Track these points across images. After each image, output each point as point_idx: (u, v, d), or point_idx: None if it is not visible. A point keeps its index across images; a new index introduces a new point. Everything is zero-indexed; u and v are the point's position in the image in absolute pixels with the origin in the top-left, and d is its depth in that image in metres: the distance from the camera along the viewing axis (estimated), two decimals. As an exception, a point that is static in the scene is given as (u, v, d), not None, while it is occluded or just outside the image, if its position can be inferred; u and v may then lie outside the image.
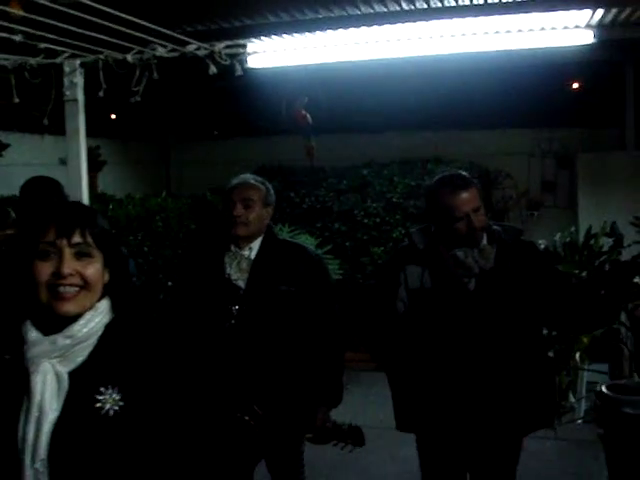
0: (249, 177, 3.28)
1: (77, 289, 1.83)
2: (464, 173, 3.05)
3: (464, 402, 3.02)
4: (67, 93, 2.88)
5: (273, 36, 7.69)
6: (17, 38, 2.64)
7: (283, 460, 3.40)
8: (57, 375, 1.83)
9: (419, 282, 3.10)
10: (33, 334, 1.86)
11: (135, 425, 1.83)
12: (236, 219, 3.12)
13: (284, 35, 7.87)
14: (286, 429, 3.25)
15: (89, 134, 7.10)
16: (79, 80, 2.87)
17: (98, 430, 1.80)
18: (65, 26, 2.54)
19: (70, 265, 1.82)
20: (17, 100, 2.95)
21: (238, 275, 3.16)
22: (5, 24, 2.60)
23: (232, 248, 3.20)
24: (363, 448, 3.32)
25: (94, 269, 1.87)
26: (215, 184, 8.85)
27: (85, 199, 2.89)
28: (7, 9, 2.66)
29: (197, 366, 2.07)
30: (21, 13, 2.81)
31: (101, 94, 2.80)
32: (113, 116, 9.15)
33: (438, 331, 3.02)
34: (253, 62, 5.86)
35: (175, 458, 1.90)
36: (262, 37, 5.97)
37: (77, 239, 1.84)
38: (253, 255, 3.19)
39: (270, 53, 6.76)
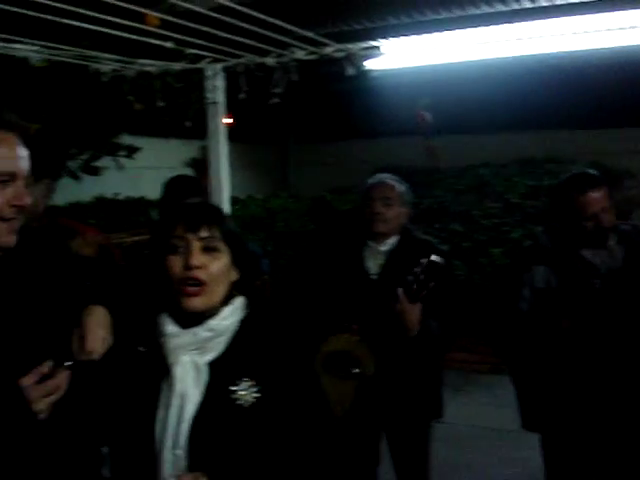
0: (387, 176, 3.39)
1: (201, 285, 1.92)
2: (594, 172, 3.03)
3: (593, 401, 2.99)
4: (209, 96, 3.00)
5: (392, 38, 7.72)
6: (169, 45, 2.77)
7: (408, 454, 3.45)
8: (196, 366, 1.91)
9: (545, 282, 3.10)
10: (171, 327, 1.94)
11: (269, 416, 1.88)
12: (375, 216, 3.23)
13: (402, 37, 7.89)
14: (410, 412, 3.32)
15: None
16: (220, 83, 2.98)
17: (234, 420, 1.87)
18: (209, 30, 2.65)
19: (198, 257, 1.91)
20: (161, 104, 3.09)
21: (375, 269, 3.27)
22: (153, 30, 2.74)
23: (370, 243, 3.31)
24: (480, 449, 3.33)
25: (220, 264, 1.95)
26: (334, 185, 8.98)
27: (227, 199, 3.01)
28: (144, 27, 2.81)
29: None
30: (158, 25, 2.96)
31: (242, 96, 2.91)
32: (229, 120, 9.37)
33: (565, 331, 3.01)
34: (372, 64, 5.88)
35: (303, 447, 1.93)
36: (381, 39, 5.98)
37: (204, 233, 1.93)
38: (389, 249, 3.29)
39: (390, 55, 6.77)
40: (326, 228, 7.51)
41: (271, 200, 7.72)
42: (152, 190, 7.55)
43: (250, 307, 2.02)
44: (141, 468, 1.88)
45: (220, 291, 1.95)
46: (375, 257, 3.32)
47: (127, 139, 6.24)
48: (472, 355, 6.40)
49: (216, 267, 1.92)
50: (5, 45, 2.48)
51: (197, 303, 1.90)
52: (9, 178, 1.86)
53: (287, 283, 4.92)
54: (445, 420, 3.42)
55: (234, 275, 1.99)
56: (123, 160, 6.04)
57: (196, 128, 3.47)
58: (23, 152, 1.91)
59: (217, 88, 3.01)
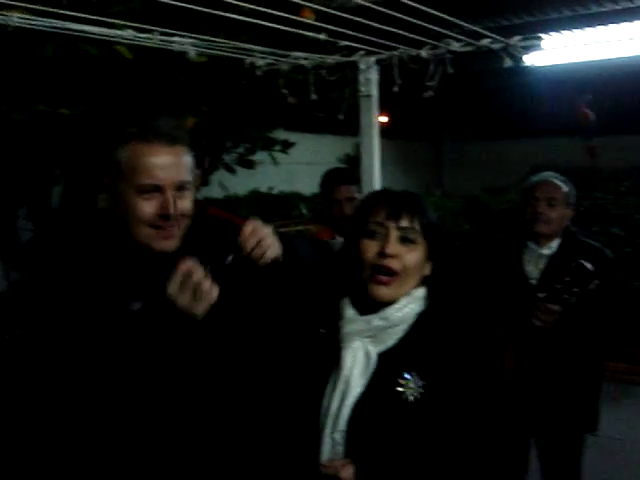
0: (552, 175, 3.26)
1: (394, 275, 1.88)
2: None
3: None
4: (362, 89, 2.96)
5: (553, 32, 7.42)
6: (322, 37, 2.76)
7: (559, 465, 3.32)
8: (367, 354, 1.90)
9: None
10: (350, 312, 1.94)
11: (431, 415, 1.85)
12: (538, 217, 3.11)
13: (564, 31, 7.57)
14: (564, 422, 3.19)
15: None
16: (374, 76, 2.94)
17: (395, 413, 1.85)
18: (363, 21, 2.61)
19: (394, 247, 1.88)
20: (314, 97, 3.08)
21: (535, 273, 3.16)
22: (308, 22, 2.73)
23: (530, 245, 3.20)
24: (635, 465, 3.17)
25: (415, 256, 1.91)
26: (488, 184, 8.78)
27: (377, 192, 2.96)
28: (299, 18, 2.80)
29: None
30: (313, 19, 2.95)
31: (396, 89, 2.85)
32: (385, 119, 9.37)
33: None
34: (531, 59, 5.67)
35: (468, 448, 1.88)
36: (541, 33, 5.75)
37: (405, 223, 1.89)
38: (551, 253, 3.16)
39: (550, 50, 6.51)
40: (481, 228, 7.35)
41: (424, 198, 7.60)
42: (305, 185, 7.67)
43: (431, 300, 1.97)
44: (301, 444, 1.90)
45: (410, 284, 1.92)
46: (536, 260, 3.20)
47: (282, 134, 6.31)
48: (633, 366, 6.11)
49: (411, 259, 1.89)
50: (164, 39, 2.53)
51: (385, 293, 1.89)
52: (154, 189, 1.93)
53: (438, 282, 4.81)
54: (599, 433, 3.25)
55: (427, 269, 1.95)
56: (278, 155, 6.12)
57: (351, 124, 3.43)
58: (173, 161, 1.96)
59: (370, 81, 2.96)
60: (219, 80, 3.97)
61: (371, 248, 1.91)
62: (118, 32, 2.40)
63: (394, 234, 1.90)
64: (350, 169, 4.08)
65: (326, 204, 4.09)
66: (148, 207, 1.94)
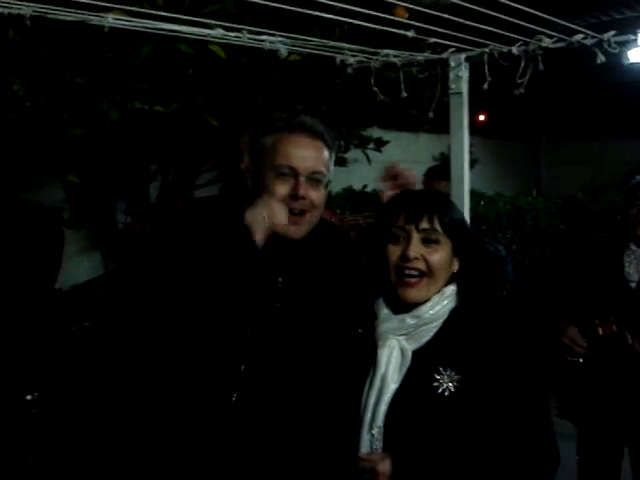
0: None
1: (420, 276, 1.91)
2: None
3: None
4: (452, 86, 2.93)
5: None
6: (410, 34, 2.75)
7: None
8: (402, 351, 1.94)
9: None
10: (384, 311, 1.99)
11: (468, 408, 1.87)
12: None
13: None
14: None
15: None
16: (464, 74, 2.91)
17: (432, 408, 1.88)
18: (453, 18, 2.59)
19: (416, 249, 1.93)
20: (405, 94, 3.08)
21: (636, 276, 3.08)
22: (399, 19, 2.73)
23: (632, 247, 3.12)
24: None
25: (439, 256, 1.95)
26: (586, 184, 8.57)
27: (466, 192, 2.94)
28: (393, 17, 2.80)
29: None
30: (406, 17, 2.94)
31: (485, 86, 2.82)
32: (482, 117, 9.25)
33: None
34: (629, 56, 5.48)
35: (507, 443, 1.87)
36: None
37: (425, 225, 1.94)
38: None
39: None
40: (579, 229, 7.20)
41: (520, 198, 7.49)
42: (399, 184, 7.62)
43: (464, 296, 2.00)
44: (341, 440, 1.94)
45: (439, 282, 1.96)
46: (637, 263, 3.11)
47: (377, 132, 6.32)
48: None
49: (435, 259, 1.94)
50: (254, 37, 2.57)
51: (414, 294, 1.94)
52: (289, 172, 2.12)
53: (531, 284, 4.74)
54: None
55: (455, 265, 1.99)
56: (372, 153, 6.13)
57: (445, 122, 3.41)
58: (310, 151, 2.16)
59: (460, 79, 2.93)
60: (312, 78, 4.00)
61: (395, 252, 1.96)
62: (208, 31, 2.45)
63: (415, 237, 1.95)
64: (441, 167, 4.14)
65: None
66: (282, 188, 2.12)
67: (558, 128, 10.29)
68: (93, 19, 1.99)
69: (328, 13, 2.70)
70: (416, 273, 1.94)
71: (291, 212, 2.12)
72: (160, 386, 2.10)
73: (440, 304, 1.97)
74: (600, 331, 3.08)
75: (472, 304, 2.01)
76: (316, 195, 2.16)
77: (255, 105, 3.89)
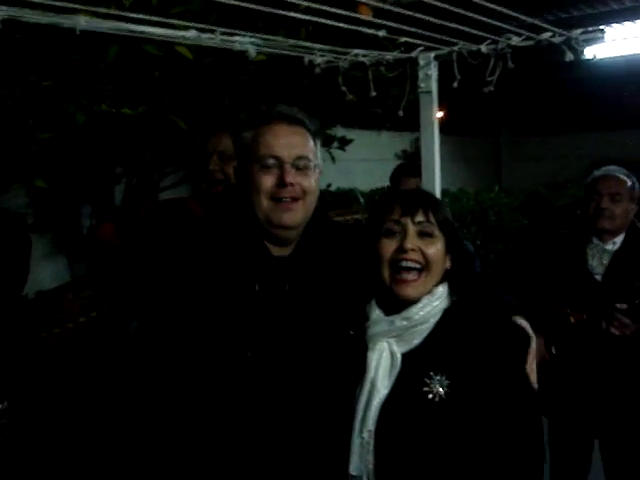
0: (616, 169, 3.20)
1: (417, 271, 1.91)
2: None
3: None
4: (422, 85, 2.95)
5: (615, 24, 7.26)
6: (381, 34, 2.76)
7: (623, 467, 3.26)
8: (392, 355, 1.93)
9: None
10: (375, 313, 1.98)
11: (458, 414, 1.86)
12: (602, 212, 3.06)
13: (627, 22, 7.40)
14: (629, 422, 3.15)
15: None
16: (433, 72, 2.93)
17: (422, 414, 1.87)
18: (421, 16, 2.60)
19: (413, 241, 1.93)
20: (374, 94, 3.09)
21: (599, 269, 3.11)
22: (366, 19, 2.73)
23: (594, 241, 3.15)
24: None
25: (435, 249, 1.95)
26: (547, 179, 8.67)
27: (438, 191, 2.96)
28: (357, 15, 2.80)
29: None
30: (370, 16, 2.95)
31: (455, 85, 2.84)
32: (441, 114, 9.30)
33: None
34: (592, 52, 5.57)
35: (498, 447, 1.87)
36: (602, 25, 5.65)
37: (420, 218, 1.94)
38: (615, 249, 3.11)
39: (611, 42, 6.38)
40: (541, 223, 7.27)
41: (482, 194, 7.56)
42: (363, 182, 7.66)
43: (456, 296, 1.98)
44: (334, 443, 1.94)
45: (434, 279, 1.94)
46: (600, 256, 3.14)
47: (340, 131, 6.33)
48: None
49: (432, 252, 1.93)
50: (225, 38, 2.56)
51: (411, 291, 1.91)
52: (273, 162, 2.07)
53: (497, 278, 4.78)
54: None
55: (447, 262, 1.98)
56: (335, 152, 6.13)
57: (407, 120, 3.43)
58: (292, 138, 2.10)
59: (430, 77, 2.95)
60: (279, 78, 3.99)
61: (390, 246, 1.95)
62: (181, 33, 2.43)
63: (412, 229, 1.94)
64: (417, 164, 4.15)
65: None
66: (268, 179, 2.08)
67: (519, 123, 10.40)
68: (65, 22, 1.96)
69: (294, 12, 2.69)
70: (413, 266, 1.91)
71: (281, 200, 2.08)
72: (168, 384, 2.05)
73: (430, 305, 1.94)
74: (572, 319, 3.11)
75: (464, 304, 1.99)
76: (306, 181, 2.10)
77: (221, 106, 3.87)
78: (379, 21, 2.82)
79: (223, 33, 2.53)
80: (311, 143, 2.17)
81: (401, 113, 3.17)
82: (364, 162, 7.48)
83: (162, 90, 3.39)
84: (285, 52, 2.98)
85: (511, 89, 8.82)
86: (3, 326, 3.30)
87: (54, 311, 3.26)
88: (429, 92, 2.96)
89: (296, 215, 2.10)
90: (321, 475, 1.97)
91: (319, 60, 3.14)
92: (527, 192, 8.02)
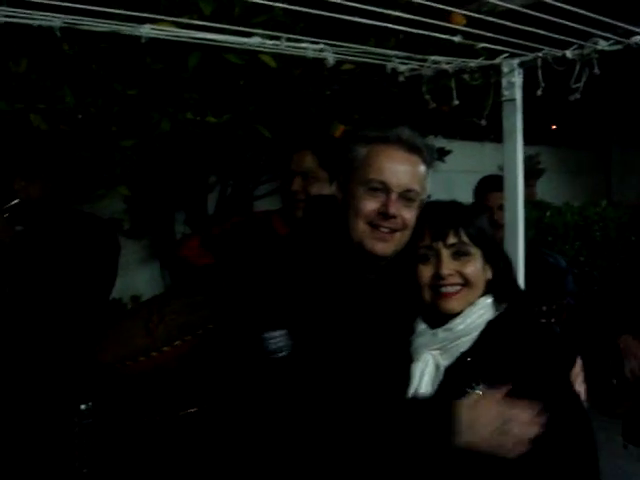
0: None
1: (459, 287, 1.86)
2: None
3: None
4: (505, 93, 2.85)
5: None
6: (456, 39, 2.69)
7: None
8: (436, 366, 1.88)
9: None
10: (421, 326, 1.96)
11: None
12: None
13: None
14: None
15: (529, 142, 7.01)
16: (517, 80, 2.82)
17: None
18: (506, 23, 2.52)
19: (448, 266, 1.89)
20: (457, 102, 3.01)
21: None
22: (447, 25, 2.67)
23: None
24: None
25: (473, 267, 1.91)
26: (660, 194, 8.30)
27: (520, 201, 2.85)
28: (448, 25, 2.73)
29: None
30: (463, 24, 2.87)
31: (539, 93, 2.73)
32: (554, 127, 9.06)
33: None
34: None
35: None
36: None
37: (452, 240, 1.90)
38: None
39: None
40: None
41: (589, 208, 7.30)
42: (464, 194, 7.51)
43: (502, 307, 1.94)
44: None
45: (476, 292, 1.92)
46: None
47: (440, 142, 6.25)
48: None
49: (469, 271, 1.91)
50: (293, 45, 2.54)
51: (454, 305, 1.90)
52: (380, 187, 2.02)
53: (599, 297, 4.60)
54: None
55: (489, 273, 1.94)
56: (436, 163, 6.05)
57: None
58: (406, 166, 2.06)
59: (513, 85, 2.85)
60: (368, 87, 3.95)
61: (427, 272, 1.95)
62: (245, 40, 2.42)
63: (445, 253, 1.94)
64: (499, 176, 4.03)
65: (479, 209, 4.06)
66: (371, 203, 2.03)
67: (630, 135, 9.99)
68: (125, 29, 1.98)
69: (383, 22, 2.65)
70: (452, 290, 1.89)
71: (379, 228, 2.03)
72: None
73: (471, 317, 1.93)
74: None
75: (509, 316, 1.94)
76: (408, 213, 2.05)
77: (308, 115, 3.86)
78: (462, 28, 2.75)
79: (290, 40, 2.50)
80: (423, 174, 2.14)
81: (484, 122, 3.07)
82: (466, 173, 7.33)
83: (247, 98, 3.40)
84: (362, 59, 2.94)
85: (622, 98, 8.47)
86: (91, 329, 3.40)
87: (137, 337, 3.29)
88: (513, 100, 2.86)
89: (390, 247, 2.06)
90: None
91: (402, 68, 3.08)
92: (636, 207, 7.70)
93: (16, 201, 3.59)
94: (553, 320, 3.60)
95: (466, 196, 7.45)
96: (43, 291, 3.42)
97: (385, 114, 4.31)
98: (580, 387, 1.92)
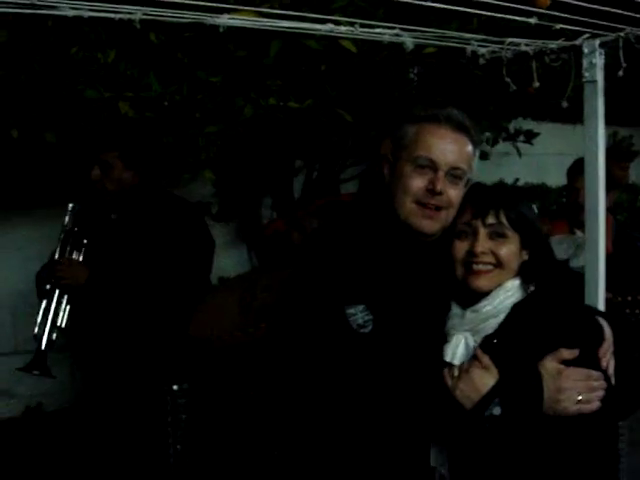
0: None
1: (490, 267, 1.88)
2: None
3: None
4: (586, 75, 2.80)
5: None
6: (532, 21, 2.67)
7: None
8: (467, 347, 1.90)
9: None
10: (454, 308, 1.99)
11: None
12: None
13: None
14: None
15: (622, 124, 6.81)
16: (598, 61, 2.77)
17: None
18: (586, 5, 2.49)
19: (484, 244, 1.92)
20: (537, 84, 2.98)
21: None
22: (524, 7, 2.65)
23: None
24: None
25: (507, 249, 1.93)
26: None
27: (601, 185, 2.80)
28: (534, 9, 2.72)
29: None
30: (547, 5, 2.85)
31: (620, 73, 2.68)
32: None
33: None
34: None
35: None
36: None
37: (491, 219, 1.92)
38: None
39: None
40: None
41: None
42: (554, 177, 7.38)
43: (531, 288, 1.94)
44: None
45: (508, 274, 1.94)
46: None
47: (528, 124, 6.17)
48: None
49: (503, 252, 1.94)
50: (367, 31, 2.57)
51: (483, 283, 1.93)
52: (428, 165, 2.06)
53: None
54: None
55: (525, 256, 1.95)
56: (526, 146, 6.00)
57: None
58: (454, 145, 2.08)
59: (594, 66, 2.79)
60: (450, 70, 3.95)
61: (461, 248, 1.98)
62: (317, 26, 2.46)
63: (482, 232, 1.95)
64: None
65: (569, 194, 4.07)
66: (418, 180, 2.07)
67: None
68: (207, 19, 2.05)
69: (463, 6, 2.66)
70: (485, 268, 1.93)
71: (425, 206, 2.07)
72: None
73: (498, 298, 1.95)
74: None
75: (538, 297, 1.96)
76: (454, 193, 2.07)
77: (391, 99, 3.88)
78: (544, 11, 2.73)
79: (364, 25, 2.53)
80: (470, 154, 2.14)
81: (565, 104, 3.03)
82: (557, 156, 7.19)
83: (328, 84, 3.45)
84: (443, 44, 2.94)
85: None
86: (187, 310, 3.50)
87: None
88: (594, 82, 2.80)
89: (436, 224, 2.09)
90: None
91: (482, 51, 3.06)
92: None
93: (72, 205, 3.66)
94: (638, 311, 3.54)
95: (557, 179, 7.34)
96: (139, 276, 3.51)
97: (469, 97, 4.30)
98: (607, 364, 1.93)
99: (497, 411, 1.79)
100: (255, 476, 3.33)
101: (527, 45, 2.95)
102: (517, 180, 7.39)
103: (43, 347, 3.51)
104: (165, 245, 3.52)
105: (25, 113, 3.08)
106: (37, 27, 2.79)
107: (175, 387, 3.51)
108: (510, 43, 2.93)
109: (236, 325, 3.15)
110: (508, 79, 3.11)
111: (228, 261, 5.09)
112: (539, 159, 7.45)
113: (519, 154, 6.00)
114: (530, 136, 5.86)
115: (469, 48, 3.04)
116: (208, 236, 3.74)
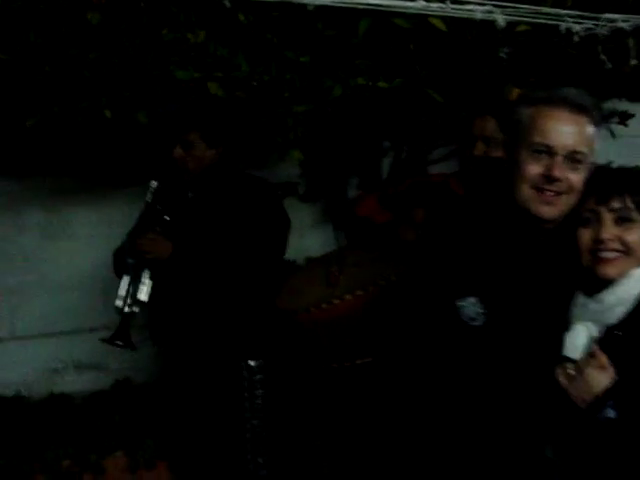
0: None
1: (617, 254, 1.81)
2: None
3: None
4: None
5: None
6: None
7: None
8: (589, 338, 1.84)
9: None
10: (579, 296, 1.92)
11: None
12: None
13: None
14: None
15: None
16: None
17: None
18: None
19: (609, 231, 1.84)
20: (635, 62, 2.89)
21: None
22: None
23: None
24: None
25: (635, 235, 1.86)
26: None
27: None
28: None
29: None
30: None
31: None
32: None
33: None
34: None
35: None
36: None
37: (616, 204, 1.85)
38: None
39: None
40: None
41: None
42: (651, 160, 7.12)
43: None
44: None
45: (635, 262, 1.86)
46: None
47: (623, 105, 5.97)
48: None
49: (631, 238, 1.86)
50: (458, 7, 2.53)
51: (610, 270, 1.86)
52: (545, 150, 2.03)
53: None
54: None
55: None
56: (619, 127, 5.81)
57: None
58: (571, 128, 2.03)
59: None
60: (544, 49, 3.85)
61: (586, 236, 1.92)
62: (409, 3, 2.44)
63: (607, 217, 1.88)
64: None
65: None
66: (534, 167, 2.05)
67: None
68: (295, -1, 2.05)
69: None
70: (612, 254, 1.85)
71: (544, 191, 2.04)
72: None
73: (624, 287, 1.87)
74: None
75: None
76: (575, 176, 2.03)
77: (482, 78, 3.81)
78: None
79: (454, 2, 2.50)
80: (591, 135, 2.09)
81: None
82: (650, 139, 6.95)
83: (418, 63, 3.42)
84: (536, 20, 2.87)
85: None
86: (266, 288, 3.55)
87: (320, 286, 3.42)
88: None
89: (556, 210, 2.05)
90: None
91: (577, 28, 2.98)
92: None
93: (155, 184, 3.74)
94: None
95: (654, 162, 7.07)
96: (219, 251, 3.57)
97: (562, 76, 4.19)
98: None
99: (612, 414, 1.75)
100: (332, 454, 3.37)
101: (624, 21, 2.86)
102: (610, 163, 7.18)
103: (125, 320, 3.61)
104: (239, 223, 3.58)
105: (118, 94, 3.16)
106: (129, 9, 2.85)
107: (252, 363, 3.58)
108: (606, 19, 2.85)
109: (322, 297, 3.19)
110: (604, 57, 3.03)
111: (315, 241, 5.12)
112: (634, 141, 7.20)
113: (613, 136, 5.81)
114: (625, 117, 5.65)
115: (563, 25, 2.97)
116: (283, 214, 3.77)
